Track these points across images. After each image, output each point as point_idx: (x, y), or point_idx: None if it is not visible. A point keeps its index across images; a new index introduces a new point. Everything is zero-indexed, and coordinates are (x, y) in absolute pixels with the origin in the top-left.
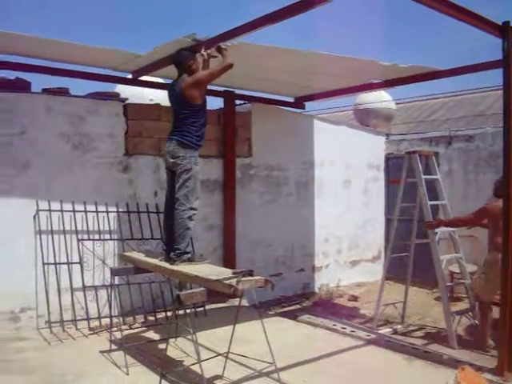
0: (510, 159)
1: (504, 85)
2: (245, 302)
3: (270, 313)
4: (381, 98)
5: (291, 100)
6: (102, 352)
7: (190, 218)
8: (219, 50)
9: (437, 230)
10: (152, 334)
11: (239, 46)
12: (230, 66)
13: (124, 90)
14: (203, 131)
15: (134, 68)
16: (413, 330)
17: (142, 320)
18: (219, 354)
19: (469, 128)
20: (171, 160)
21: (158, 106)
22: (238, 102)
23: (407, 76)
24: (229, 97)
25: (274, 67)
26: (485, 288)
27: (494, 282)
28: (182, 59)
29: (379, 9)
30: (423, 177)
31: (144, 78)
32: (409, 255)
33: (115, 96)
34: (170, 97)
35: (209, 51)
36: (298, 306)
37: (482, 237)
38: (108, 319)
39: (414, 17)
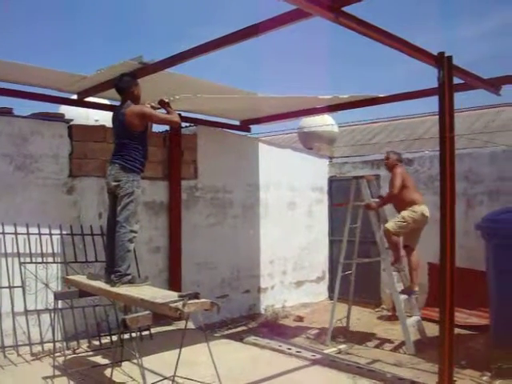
0: (446, 182)
1: (440, 111)
2: (191, 325)
3: (216, 335)
4: (324, 122)
5: (237, 123)
6: (44, 378)
7: (130, 240)
8: (162, 103)
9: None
10: (97, 359)
11: (183, 79)
12: (176, 123)
13: (69, 111)
14: (146, 157)
15: (79, 89)
16: (360, 348)
17: (87, 344)
18: (165, 378)
19: (408, 151)
20: (113, 183)
21: (103, 127)
22: (183, 124)
23: (349, 102)
24: None
25: (218, 100)
26: (404, 236)
27: (414, 232)
28: (124, 85)
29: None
30: (372, 200)
31: (89, 98)
32: (351, 273)
33: (60, 117)
34: (114, 120)
35: (153, 104)
36: (244, 328)
37: (421, 256)
38: (51, 344)
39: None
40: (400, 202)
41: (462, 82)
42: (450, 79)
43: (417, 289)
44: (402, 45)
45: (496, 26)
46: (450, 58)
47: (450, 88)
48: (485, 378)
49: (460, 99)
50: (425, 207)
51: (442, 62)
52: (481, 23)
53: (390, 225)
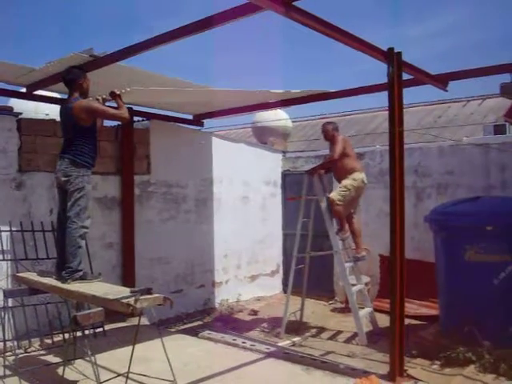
0: (395, 175)
1: (389, 106)
2: (145, 321)
3: (171, 330)
4: (278, 117)
5: (190, 117)
6: None
7: (81, 236)
8: (113, 95)
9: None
10: (49, 358)
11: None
12: (125, 119)
13: (18, 105)
14: (96, 152)
15: (28, 82)
16: (314, 340)
17: (38, 343)
18: (119, 375)
19: (359, 146)
20: (63, 178)
21: (53, 121)
22: (136, 118)
23: (302, 97)
24: None
25: (171, 93)
26: (345, 205)
27: (351, 201)
28: (73, 78)
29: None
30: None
31: (39, 92)
32: (304, 266)
33: (8, 110)
34: (61, 114)
35: (104, 96)
36: (199, 323)
37: (372, 248)
38: (1, 343)
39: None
40: (340, 169)
41: (411, 77)
42: (399, 75)
43: (364, 253)
44: (354, 41)
45: (444, 26)
46: (399, 54)
47: (400, 83)
48: (434, 366)
49: (410, 94)
50: (364, 175)
51: (391, 57)
52: (428, 22)
53: (334, 195)
